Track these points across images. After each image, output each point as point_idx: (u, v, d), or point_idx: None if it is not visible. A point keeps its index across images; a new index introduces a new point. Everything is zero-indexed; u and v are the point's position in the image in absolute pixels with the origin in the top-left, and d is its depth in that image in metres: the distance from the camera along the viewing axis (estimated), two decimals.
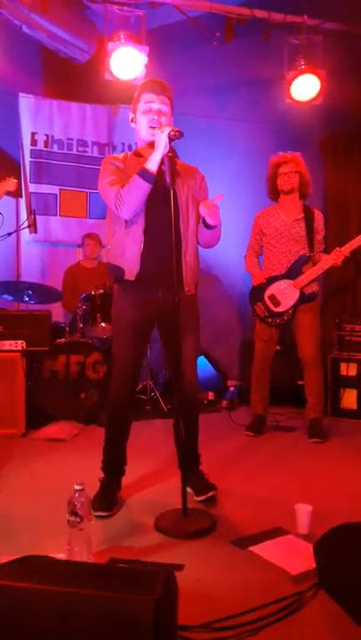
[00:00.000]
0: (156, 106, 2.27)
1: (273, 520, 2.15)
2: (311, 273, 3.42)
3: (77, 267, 4.74)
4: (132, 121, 2.38)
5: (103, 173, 2.32)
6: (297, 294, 3.45)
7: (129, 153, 2.42)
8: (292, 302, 3.46)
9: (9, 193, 2.98)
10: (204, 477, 2.45)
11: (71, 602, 1.07)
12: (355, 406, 3.98)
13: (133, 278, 2.27)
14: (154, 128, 2.22)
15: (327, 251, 3.48)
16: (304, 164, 3.51)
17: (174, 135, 2.11)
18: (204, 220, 2.28)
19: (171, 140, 2.13)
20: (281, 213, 3.54)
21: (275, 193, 3.59)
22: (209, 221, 2.25)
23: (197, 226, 2.37)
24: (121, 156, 2.40)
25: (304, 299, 3.45)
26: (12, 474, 2.80)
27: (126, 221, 2.26)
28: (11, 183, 2.94)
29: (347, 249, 3.35)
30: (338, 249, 3.36)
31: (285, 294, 3.47)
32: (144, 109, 2.28)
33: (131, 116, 2.38)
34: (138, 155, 2.34)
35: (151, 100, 2.27)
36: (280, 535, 2.04)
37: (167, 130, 2.12)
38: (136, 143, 2.46)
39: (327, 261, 3.38)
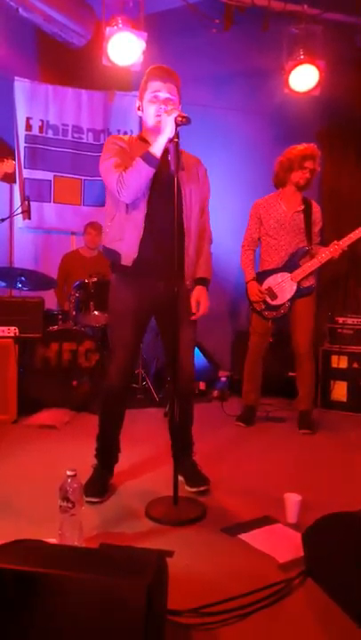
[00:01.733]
0: (163, 95, 2.21)
1: (262, 509, 2.18)
2: (309, 266, 3.41)
3: (75, 254, 4.71)
4: (138, 109, 2.32)
5: (106, 153, 2.25)
6: (294, 287, 3.44)
7: (134, 136, 2.38)
8: (289, 295, 3.46)
9: (6, 175, 2.94)
10: (198, 468, 2.46)
11: (63, 585, 1.08)
12: (345, 398, 4.02)
13: (130, 264, 2.24)
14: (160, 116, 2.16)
15: (323, 243, 3.49)
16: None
17: (181, 120, 2.06)
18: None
19: (177, 125, 2.07)
20: (282, 204, 3.49)
21: (281, 182, 3.49)
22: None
23: (200, 220, 2.36)
24: (126, 137, 2.35)
25: (301, 292, 3.45)
26: (3, 460, 2.81)
27: (127, 205, 2.21)
28: (8, 165, 2.90)
29: (345, 242, 3.34)
30: (336, 242, 3.35)
31: (282, 287, 3.46)
32: (151, 98, 2.22)
33: (137, 103, 2.32)
34: (143, 140, 2.30)
35: (158, 88, 2.21)
36: (269, 524, 2.06)
37: (175, 114, 2.07)
38: (140, 130, 2.41)
39: (326, 255, 3.38)
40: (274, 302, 3.49)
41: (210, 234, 2.46)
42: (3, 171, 2.91)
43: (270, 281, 3.50)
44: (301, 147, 3.41)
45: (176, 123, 2.07)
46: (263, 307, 3.52)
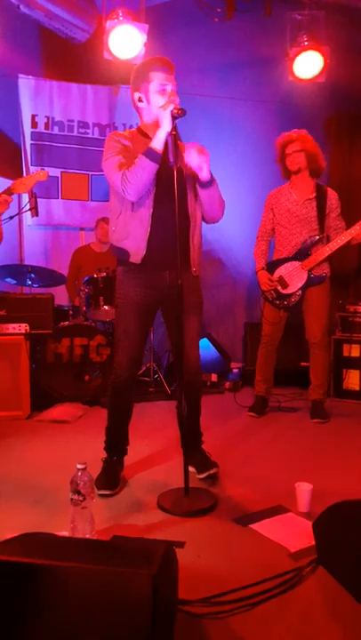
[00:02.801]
0: (170, 87, 2.21)
1: (273, 498, 2.18)
2: (320, 254, 3.38)
3: (87, 249, 4.72)
4: (139, 100, 2.28)
5: (107, 152, 2.25)
6: (305, 276, 3.42)
7: (134, 130, 2.38)
8: (300, 284, 3.44)
9: (39, 181, 2.96)
10: (206, 455, 2.48)
11: (71, 576, 1.10)
12: (358, 387, 4.00)
13: (139, 261, 2.26)
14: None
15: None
16: (311, 141, 3.42)
17: (177, 113, 2.08)
18: (198, 180, 2.22)
19: (174, 118, 2.09)
20: (293, 193, 3.48)
21: (286, 172, 3.51)
22: (202, 176, 2.19)
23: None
24: (126, 132, 2.35)
25: (312, 281, 3.42)
26: (16, 455, 2.84)
27: (133, 203, 2.22)
28: (42, 174, 2.91)
29: None
30: (355, 227, 3.29)
31: (293, 276, 3.45)
32: (158, 89, 2.21)
33: (137, 95, 2.28)
34: (143, 134, 2.30)
35: (165, 80, 2.21)
36: (280, 513, 2.06)
37: (170, 107, 2.09)
38: (138, 123, 2.41)
39: (340, 240, 3.33)
40: (285, 291, 3.48)
41: None
42: (35, 179, 2.92)
43: (282, 270, 3.49)
44: (280, 137, 3.48)
45: (172, 116, 2.09)
46: (274, 295, 3.52)
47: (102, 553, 1.23)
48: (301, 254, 3.43)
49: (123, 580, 1.06)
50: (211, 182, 2.25)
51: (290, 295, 3.47)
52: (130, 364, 2.35)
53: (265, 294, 3.56)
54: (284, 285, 3.48)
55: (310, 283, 3.43)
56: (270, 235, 3.60)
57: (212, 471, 2.38)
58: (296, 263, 3.45)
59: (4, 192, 2.85)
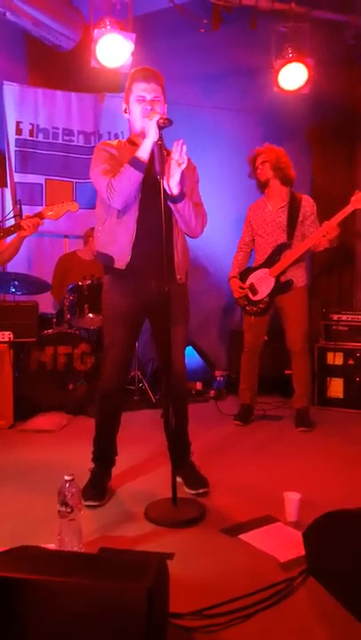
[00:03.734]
0: (149, 96, 2.23)
1: (262, 508, 2.18)
2: (286, 260, 3.45)
3: (73, 256, 4.68)
4: (125, 111, 2.34)
5: (95, 161, 2.28)
6: (272, 282, 3.49)
7: (123, 140, 2.40)
8: (267, 291, 3.50)
9: (68, 212, 2.97)
10: (196, 469, 2.46)
11: (64, 591, 1.07)
12: (341, 395, 4.02)
13: (124, 267, 2.25)
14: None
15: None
16: (275, 151, 3.51)
17: (163, 123, 2.10)
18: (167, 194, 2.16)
19: (160, 127, 2.11)
20: (268, 204, 3.58)
21: (260, 185, 3.62)
22: (168, 186, 2.13)
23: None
24: (115, 142, 2.37)
25: (279, 287, 3.48)
26: (0, 465, 2.79)
27: (119, 211, 2.23)
28: (73, 205, 2.92)
29: (334, 221, 3.32)
30: (326, 222, 3.35)
31: (262, 283, 3.53)
32: (137, 99, 2.25)
33: (124, 106, 2.34)
34: (132, 143, 2.31)
35: (144, 89, 2.24)
36: (269, 523, 2.06)
37: (156, 117, 2.11)
38: (129, 132, 2.42)
39: (307, 242, 3.39)
40: (255, 298, 3.55)
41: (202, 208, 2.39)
42: (66, 209, 2.92)
43: (253, 277, 3.59)
44: (250, 152, 3.62)
45: (158, 125, 2.11)
46: (246, 302, 3.59)
47: (94, 567, 1.21)
48: (271, 261, 3.50)
49: (117, 594, 1.04)
50: (179, 197, 2.20)
51: (259, 302, 3.54)
52: (118, 374, 2.34)
53: (237, 301, 3.65)
54: (254, 292, 3.55)
55: (278, 289, 3.48)
56: (249, 246, 3.70)
57: (201, 490, 2.35)
58: (265, 270, 3.52)
59: (35, 215, 2.86)
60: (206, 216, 2.40)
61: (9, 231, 2.75)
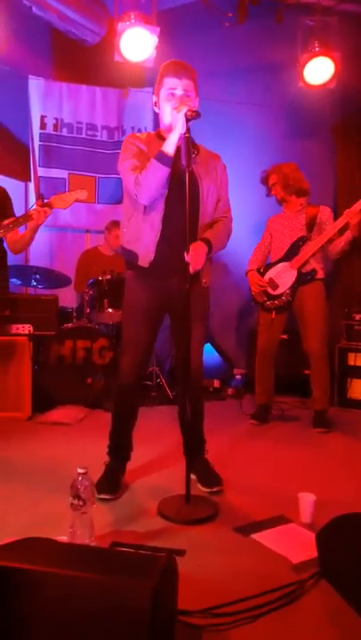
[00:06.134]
0: (179, 92, 2.19)
1: (276, 508, 2.15)
2: (308, 250, 3.42)
3: (95, 251, 4.70)
4: (155, 104, 2.30)
5: (123, 154, 2.25)
6: (295, 274, 3.45)
7: (152, 133, 2.37)
8: (290, 283, 3.46)
9: (77, 200, 2.97)
10: (211, 467, 2.44)
11: (70, 585, 1.07)
12: None
13: (147, 265, 2.24)
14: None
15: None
16: (283, 171, 3.53)
17: (191, 115, 2.05)
18: None
19: (188, 120, 2.05)
20: (287, 211, 3.61)
21: (278, 201, 3.65)
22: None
23: (214, 214, 2.33)
24: (144, 135, 2.33)
25: (302, 277, 3.44)
26: (17, 456, 2.82)
27: (145, 207, 2.21)
28: (82, 193, 2.93)
29: (356, 206, 3.28)
30: (347, 210, 3.33)
31: (283, 276, 3.50)
32: (167, 95, 2.20)
33: (154, 99, 2.29)
34: (160, 137, 2.28)
35: (174, 85, 2.19)
36: (282, 523, 2.03)
37: (184, 109, 2.06)
38: (155, 127, 2.40)
39: (328, 231, 3.36)
40: (275, 292, 3.51)
41: (229, 217, 2.41)
42: (74, 197, 2.93)
43: (271, 272, 3.56)
44: (260, 175, 3.71)
45: (186, 118, 2.05)
46: (265, 298, 3.55)
47: (101, 561, 1.20)
48: (290, 254, 3.47)
49: (122, 591, 1.04)
50: (208, 254, 2.25)
51: (280, 295, 3.50)
52: (136, 370, 2.34)
53: (254, 298, 3.60)
54: (274, 287, 3.52)
55: (300, 280, 3.44)
56: (268, 248, 3.69)
57: (215, 488, 2.33)
58: (285, 263, 3.49)
59: (44, 205, 2.87)
60: (231, 223, 2.40)
61: (18, 222, 2.76)
